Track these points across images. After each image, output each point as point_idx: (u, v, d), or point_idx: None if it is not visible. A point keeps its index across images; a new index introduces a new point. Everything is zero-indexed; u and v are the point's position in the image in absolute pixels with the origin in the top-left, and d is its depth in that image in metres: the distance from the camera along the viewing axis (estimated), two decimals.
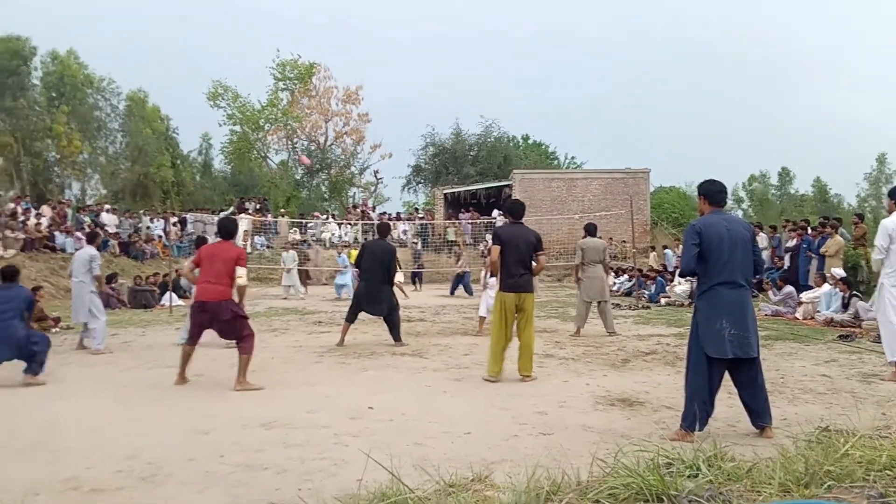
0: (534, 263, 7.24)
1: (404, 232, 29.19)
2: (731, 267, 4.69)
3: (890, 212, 7.05)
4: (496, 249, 7.09)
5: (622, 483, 2.62)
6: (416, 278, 23.06)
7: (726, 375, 4.80)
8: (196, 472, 4.10)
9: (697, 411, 4.53)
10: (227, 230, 7.19)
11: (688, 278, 14.22)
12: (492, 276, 10.42)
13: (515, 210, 7.42)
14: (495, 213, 29.26)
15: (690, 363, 4.81)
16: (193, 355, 7.02)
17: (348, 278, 18.21)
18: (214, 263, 6.79)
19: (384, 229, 10.43)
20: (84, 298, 9.33)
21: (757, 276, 5.19)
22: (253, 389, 6.47)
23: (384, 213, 33.77)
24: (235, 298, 6.94)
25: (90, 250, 9.67)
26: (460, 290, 19.98)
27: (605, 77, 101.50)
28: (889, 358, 6.91)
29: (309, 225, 29.37)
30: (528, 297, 7.14)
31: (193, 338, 6.97)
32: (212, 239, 9.11)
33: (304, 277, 21.02)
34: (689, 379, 4.79)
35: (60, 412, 5.79)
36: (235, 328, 6.79)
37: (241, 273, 6.80)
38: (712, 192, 4.97)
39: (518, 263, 7.06)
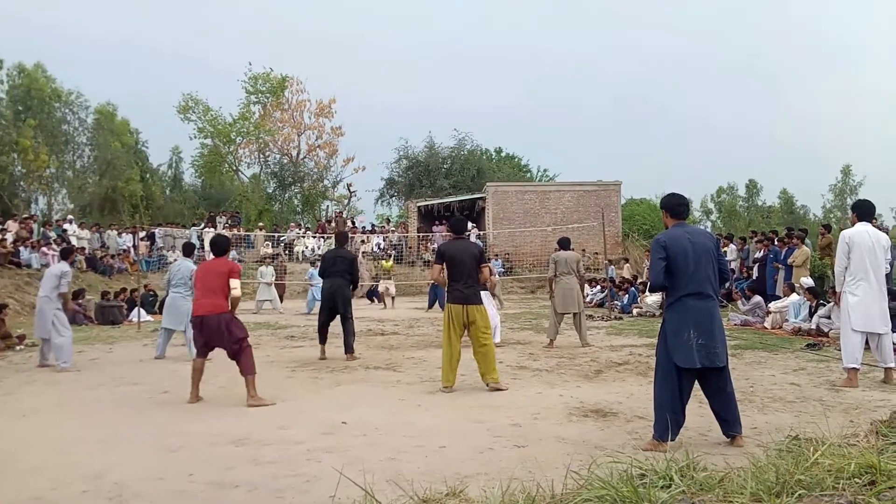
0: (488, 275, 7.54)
1: (377, 245, 29.09)
2: (697, 278, 4.75)
3: (851, 224, 7.24)
4: (436, 268, 7.41)
5: (596, 495, 2.62)
6: (372, 295, 22.81)
7: (697, 385, 4.85)
8: (165, 492, 4.01)
9: (668, 421, 4.56)
10: (219, 247, 7.21)
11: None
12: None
13: (457, 226, 7.77)
14: (469, 225, 29.34)
15: (659, 374, 4.85)
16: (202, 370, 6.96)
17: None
18: (207, 279, 6.87)
19: (342, 239, 10.66)
20: (47, 314, 9.13)
21: (725, 285, 5.28)
22: (265, 405, 6.41)
23: (354, 226, 33.67)
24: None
25: (62, 266, 9.49)
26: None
27: (577, 89, 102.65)
28: (844, 363, 7.05)
29: (281, 238, 29.16)
30: (475, 308, 7.27)
31: (200, 352, 6.95)
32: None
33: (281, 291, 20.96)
34: (658, 389, 4.82)
35: (24, 431, 5.65)
36: (233, 346, 6.73)
37: (235, 284, 6.81)
38: (673, 206, 5.06)
39: (463, 276, 7.27)
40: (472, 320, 7.22)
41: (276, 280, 20.18)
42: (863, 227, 7.06)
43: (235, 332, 6.75)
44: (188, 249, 10.73)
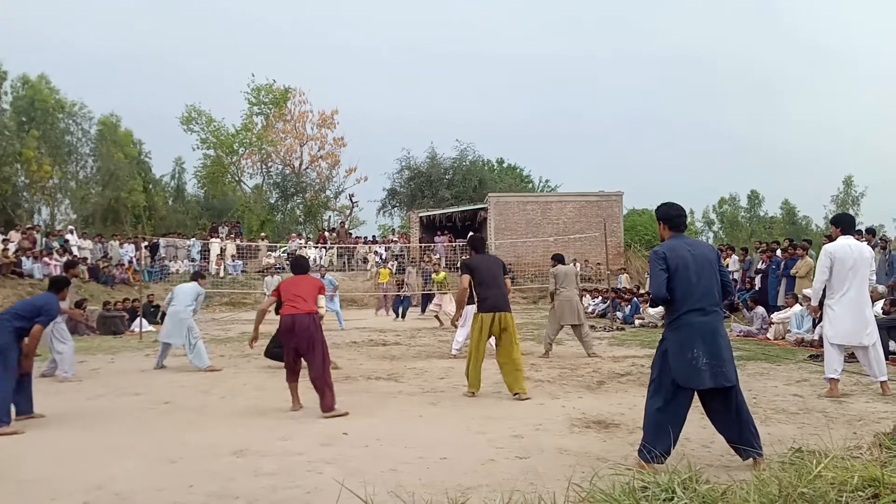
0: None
1: (379, 255, 29.10)
2: (700, 292, 4.46)
3: (833, 238, 7.24)
4: (465, 278, 7.51)
5: None
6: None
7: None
8: (165, 503, 4.00)
9: (660, 444, 4.27)
10: (301, 268, 7.20)
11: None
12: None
13: (476, 244, 8.02)
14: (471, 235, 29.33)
15: (654, 394, 4.50)
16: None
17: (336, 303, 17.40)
18: (299, 290, 6.74)
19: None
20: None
21: (729, 298, 5.09)
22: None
23: (357, 236, 33.76)
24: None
25: None
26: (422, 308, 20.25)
27: (579, 100, 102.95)
28: (825, 374, 7.07)
29: (283, 249, 29.19)
30: (507, 315, 7.37)
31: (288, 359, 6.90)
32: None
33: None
34: (650, 410, 4.47)
35: (25, 441, 5.65)
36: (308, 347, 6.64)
37: (321, 303, 6.74)
38: (671, 217, 4.73)
39: (492, 284, 7.39)
40: (505, 327, 7.35)
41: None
42: (845, 241, 7.06)
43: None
44: (197, 278, 10.76)
